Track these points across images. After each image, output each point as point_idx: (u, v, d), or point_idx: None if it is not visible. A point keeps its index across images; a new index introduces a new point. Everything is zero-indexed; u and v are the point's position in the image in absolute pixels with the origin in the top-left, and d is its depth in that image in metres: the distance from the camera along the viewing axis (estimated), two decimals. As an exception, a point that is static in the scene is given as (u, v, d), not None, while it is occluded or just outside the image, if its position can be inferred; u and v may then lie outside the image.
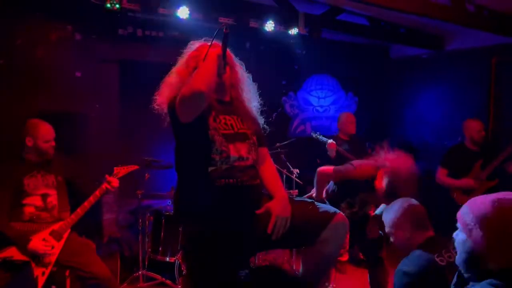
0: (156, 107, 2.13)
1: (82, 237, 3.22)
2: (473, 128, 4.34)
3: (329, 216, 2.10)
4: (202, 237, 2.03)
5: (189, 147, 2.06)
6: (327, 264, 2.26)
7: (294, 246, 3.33)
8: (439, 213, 3.29)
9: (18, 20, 4.01)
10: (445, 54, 5.97)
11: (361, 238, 3.27)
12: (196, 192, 2.07)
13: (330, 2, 4.76)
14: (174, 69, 2.18)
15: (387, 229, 2.46)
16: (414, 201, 2.43)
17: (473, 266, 1.59)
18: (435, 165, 4.63)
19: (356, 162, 3.17)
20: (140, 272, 3.95)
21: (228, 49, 2.03)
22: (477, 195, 4.49)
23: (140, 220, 4.03)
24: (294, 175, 4.44)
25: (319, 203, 2.20)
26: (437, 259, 2.15)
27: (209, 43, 2.04)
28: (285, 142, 4.58)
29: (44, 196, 3.07)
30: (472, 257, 1.59)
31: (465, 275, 1.63)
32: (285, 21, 4.72)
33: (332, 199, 3.07)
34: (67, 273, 3.17)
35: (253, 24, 4.58)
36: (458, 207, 1.70)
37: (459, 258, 1.65)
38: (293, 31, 4.78)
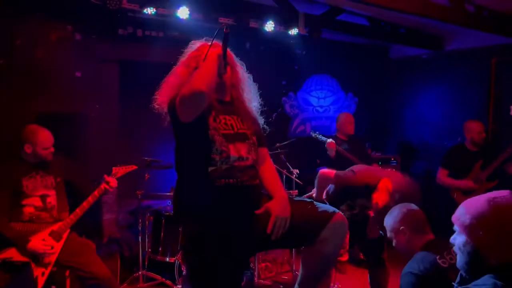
0: (157, 106, 2.13)
1: (82, 237, 3.22)
2: (474, 129, 4.34)
3: (328, 215, 2.10)
4: (202, 237, 2.03)
5: (189, 147, 2.06)
6: (327, 264, 2.25)
7: (293, 246, 3.33)
8: (439, 213, 3.29)
9: (18, 20, 4.00)
10: (445, 54, 5.97)
11: (361, 238, 3.27)
12: (196, 192, 2.07)
13: (330, 2, 4.76)
14: (175, 69, 2.18)
15: (388, 234, 2.52)
16: (413, 206, 2.49)
17: (476, 266, 1.60)
18: (435, 165, 4.63)
19: (356, 168, 3.18)
20: (140, 272, 3.95)
21: (228, 49, 2.03)
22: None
23: (140, 220, 4.03)
24: (294, 175, 4.43)
25: (318, 203, 2.20)
26: (439, 261, 2.16)
27: (210, 43, 2.04)
28: (285, 142, 4.58)
29: (43, 197, 3.07)
30: (474, 257, 1.60)
31: (467, 276, 1.64)
32: (285, 21, 4.72)
33: (332, 201, 3.07)
34: (67, 273, 3.17)
35: (253, 24, 4.58)
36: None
37: (460, 261, 1.65)
38: (293, 31, 4.78)
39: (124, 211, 4.56)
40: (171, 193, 4.08)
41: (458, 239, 1.65)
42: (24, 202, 3.00)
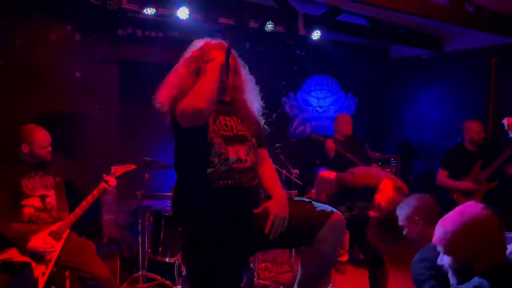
0: (157, 105, 2.12)
1: (82, 238, 3.22)
2: (473, 129, 4.34)
3: (326, 215, 2.11)
4: (201, 238, 2.04)
5: (188, 149, 2.07)
6: (326, 264, 2.26)
7: (292, 246, 3.33)
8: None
9: (18, 20, 4.00)
10: (444, 54, 5.97)
11: (361, 238, 3.27)
12: (195, 193, 2.07)
13: (330, 2, 4.77)
14: (176, 68, 2.18)
15: (400, 222, 2.55)
16: (428, 197, 2.55)
17: (466, 279, 1.71)
18: (435, 165, 4.63)
19: (355, 170, 3.19)
20: (139, 273, 3.94)
21: (232, 50, 2.03)
22: (477, 196, 4.48)
23: (140, 221, 4.02)
24: (294, 175, 4.43)
25: (316, 203, 2.21)
26: None
27: (211, 58, 2.05)
28: (285, 143, 4.57)
29: (43, 197, 3.07)
30: (463, 273, 1.72)
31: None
32: (285, 22, 4.72)
33: (332, 202, 3.07)
34: (67, 273, 3.18)
35: (253, 24, 4.58)
36: None
37: (453, 281, 1.76)
38: (293, 31, 4.78)
39: (124, 211, 4.55)
40: (171, 194, 4.08)
41: (445, 260, 1.78)
42: (24, 202, 3.00)
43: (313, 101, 6.23)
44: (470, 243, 1.68)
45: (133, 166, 3.51)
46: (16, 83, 3.99)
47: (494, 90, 5.42)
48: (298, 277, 2.25)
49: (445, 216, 1.83)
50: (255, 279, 3.92)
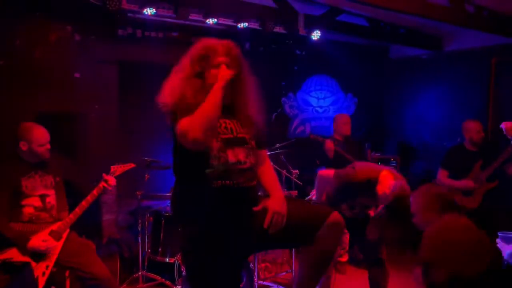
0: (160, 104, 2.09)
1: (82, 238, 3.22)
2: (472, 129, 4.34)
3: (325, 215, 2.12)
4: (200, 238, 2.05)
5: (187, 153, 2.05)
6: (324, 264, 2.26)
7: (291, 246, 3.33)
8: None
9: (18, 20, 4.00)
10: (444, 54, 5.97)
11: (361, 238, 3.27)
12: (193, 193, 2.08)
13: (330, 2, 4.77)
14: (178, 68, 2.13)
15: (414, 210, 2.58)
16: (444, 187, 2.55)
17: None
18: (435, 165, 4.63)
19: (356, 164, 3.18)
20: (139, 273, 3.94)
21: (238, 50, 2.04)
22: (477, 196, 4.48)
23: (140, 221, 4.03)
24: (294, 176, 4.43)
25: (314, 203, 2.22)
26: None
27: (216, 64, 2.04)
28: (285, 143, 4.58)
29: (43, 197, 3.07)
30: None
31: None
32: (284, 22, 4.72)
33: (333, 202, 3.07)
34: (67, 273, 3.18)
35: (253, 24, 4.58)
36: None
37: None
38: (293, 31, 4.78)
39: (124, 211, 4.56)
40: (171, 194, 4.08)
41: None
42: (24, 202, 3.00)
43: (313, 101, 6.23)
44: (447, 252, 1.68)
45: (133, 165, 3.51)
46: (16, 83, 3.98)
47: (494, 90, 5.42)
48: (297, 277, 2.25)
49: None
50: (255, 279, 3.92)
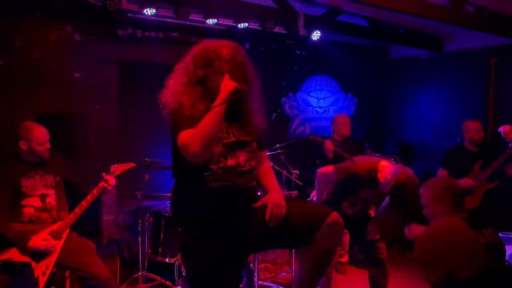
0: (161, 105, 2.08)
1: (82, 238, 3.22)
2: (472, 128, 4.34)
3: (324, 215, 2.12)
4: (200, 238, 2.05)
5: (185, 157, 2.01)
6: (324, 264, 2.26)
7: (291, 246, 3.32)
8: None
9: (18, 20, 4.01)
10: (444, 54, 5.97)
11: (361, 238, 3.27)
12: (193, 194, 2.08)
13: (330, 2, 4.77)
14: (181, 69, 2.10)
15: (423, 202, 2.61)
16: (454, 180, 2.66)
17: None
18: (435, 165, 4.62)
19: (355, 158, 3.18)
20: (139, 273, 3.94)
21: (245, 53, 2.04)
22: (477, 196, 4.47)
23: (140, 221, 4.03)
24: (294, 176, 4.43)
25: (314, 202, 2.22)
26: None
27: (220, 72, 2.01)
28: (285, 143, 4.58)
29: (43, 197, 3.07)
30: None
31: None
32: (284, 22, 4.72)
33: (334, 199, 3.06)
34: (67, 273, 3.17)
35: (253, 24, 4.58)
36: None
37: None
38: (293, 31, 4.78)
39: (124, 212, 4.56)
40: (171, 194, 4.08)
41: None
42: (24, 202, 3.00)
43: (313, 101, 6.23)
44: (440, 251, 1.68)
45: (133, 165, 3.51)
46: (16, 83, 3.99)
47: (494, 90, 5.42)
48: (297, 277, 2.25)
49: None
50: (255, 279, 3.92)
